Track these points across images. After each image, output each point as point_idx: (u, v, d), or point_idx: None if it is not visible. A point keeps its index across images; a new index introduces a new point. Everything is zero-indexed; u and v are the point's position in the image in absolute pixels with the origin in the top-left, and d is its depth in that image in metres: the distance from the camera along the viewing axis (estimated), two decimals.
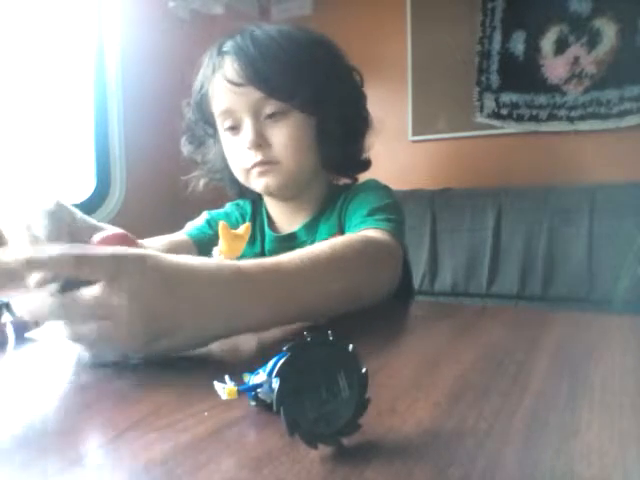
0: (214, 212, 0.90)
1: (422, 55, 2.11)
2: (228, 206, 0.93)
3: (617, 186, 1.68)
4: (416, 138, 2.13)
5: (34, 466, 0.24)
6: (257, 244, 0.86)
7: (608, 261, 1.62)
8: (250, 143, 0.74)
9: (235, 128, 0.76)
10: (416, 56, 2.12)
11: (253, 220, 0.88)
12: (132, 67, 1.62)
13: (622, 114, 1.81)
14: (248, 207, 0.91)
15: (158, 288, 0.37)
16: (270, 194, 0.82)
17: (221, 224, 0.54)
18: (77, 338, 0.36)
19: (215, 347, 0.47)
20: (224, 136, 0.79)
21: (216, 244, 0.80)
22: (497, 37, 1.98)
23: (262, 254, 0.85)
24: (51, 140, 1.49)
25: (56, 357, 0.40)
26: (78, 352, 0.39)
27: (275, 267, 0.46)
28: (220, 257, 0.53)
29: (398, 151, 2.14)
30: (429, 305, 0.61)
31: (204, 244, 0.82)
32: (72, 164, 1.55)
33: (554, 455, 0.24)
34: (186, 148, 0.86)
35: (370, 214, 0.73)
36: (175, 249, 0.77)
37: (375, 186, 0.85)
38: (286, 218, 0.86)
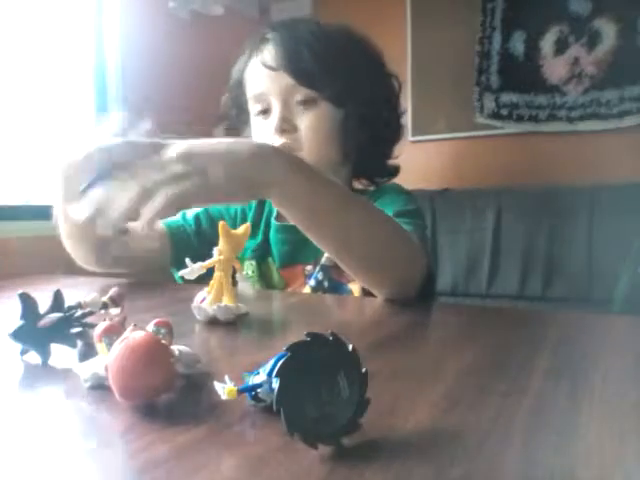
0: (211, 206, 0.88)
1: (422, 55, 2.11)
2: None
3: (617, 186, 1.68)
4: (416, 138, 2.13)
5: (34, 466, 0.24)
6: (260, 233, 0.86)
7: (608, 261, 1.62)
8: (276, 127, 0.76)
9: (265, 112, 0.79)
10: (416, 56, 2.12)
11: (259, 210, 0.88)
12: (132, 67, 1.62)
13: (622, 114, 1.82)
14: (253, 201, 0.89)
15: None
16: None
17: (221, 224, 0.54)
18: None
19: (215, 347, 0.47)
20: (254, 121, 0.81)
21: (193, 240, 0.80)
22: (497, 37, 1.98)
23: (265, 244, 0.84)
24: (51, 140, 1.49)
25: (58, 362, 0.40)
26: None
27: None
28: (220, 257, 0.53)
29: (398, 151, 2.14)
30: (429, 305, 0.61)
31: (179, 238, 0.82)
32: None
33: (554, 455, 0.24)
34: (222, 134, 0.87)
35: (396, 216, 0.73)
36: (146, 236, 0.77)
37: (400, 190, 0.86)
38: None
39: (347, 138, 0.80)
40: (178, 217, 0.85)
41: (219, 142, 0.49)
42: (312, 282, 0.79)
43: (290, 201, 0.53)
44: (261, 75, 0.78)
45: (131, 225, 0.49)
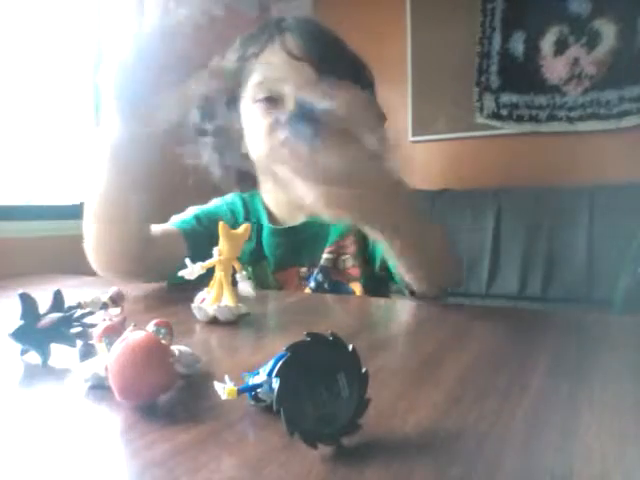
0: (203, 208, 0.87)
1: (422, 55, 2.11)
2: (213, 203, 0.89)
3: (617, 186, 1.68)
4: (416, 138, 2.13)
5: (34, 466, 0.24)
6: (253, 237, 0.84)
7: (608, 261, 1.62)
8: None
9: (273, 101, 0.76)
10: (416, 56, 2.12)
11: (246, 214, 0.86)
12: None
13: (621, 115, 1.82)
14: (238, 204, 0.88)
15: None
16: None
17: (221, 224, 0.53)
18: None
19: (215, 347, 0.47)
20: (252, 108, 0.79)
21: (206, 242, 0.79)
22: (497, 38, 1.98)
23: (258, 248, 0.83)
24: (51, 140, 1.49)
25: (58, 360, 0.40)
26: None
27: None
28: (220, 257, 0.53)
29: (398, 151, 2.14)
30: (429, 305, 0.61)
31: (194, 239, 0.79)
32: (72, 164, 1.55)
33: (554, 455, 0.24)
34: (194, 116, 0.84)
35: None
36: (165, 239, 0.75)
37: None
38: (287, 210, 0.84)
39: None
40: (183, 220, 0.82)
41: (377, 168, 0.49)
42: (312, 284, 0.79)
43: (399, 242, 0.56)
44: (279, 63, 0.76)
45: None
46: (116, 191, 0.63)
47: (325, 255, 0.80)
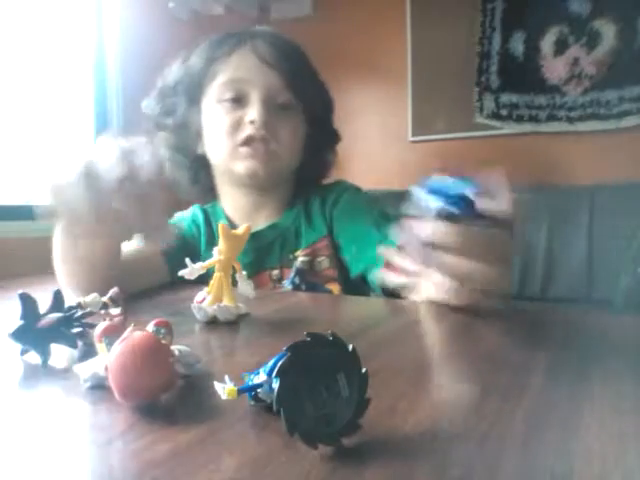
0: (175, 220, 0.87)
1: (422, 55, 2.11)
2: (176, 217, 0.89)
3: (617, 186, 1.68)
4: (416, 138, 2.13)
5: (34, 466, 0.24)
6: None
7: (608, 261, 1.62)
8: (259, 117, 0.75)
9: (237, 101, 0.77)
10: (416, 56, 2.12)
11: (209, 228, 0.86)
12: (132, 67, 1.62)
13: (621, 115, 1.82)
14: (200, 216, 0.88)
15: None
16: (251, 179, 0.80)
17: (220, 225, 0.54)
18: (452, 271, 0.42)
19: (215, 347, 0.47)
20: (216, 108, 0.79)
21: (182, 258, 0.77)
22: (497, 38, 1.98)
23: None
24: (51, 141, 1.49)
25: (59, 360, 0.40)
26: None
27: None
28: (220, 257, 0.53)
29: (398, 151, 2.14)
30: (429, 305, 0.61)
31: (173, 258, 0.76)
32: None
33: (554, 455, 0.24)
34: (154, 110, 0.84)
35: (384, 219, 0.75)
36: (144, 264, 0.74)
37: (356, 189, 0.88)
38: (246, 215, 0.84)
39: (308, 147, 0.83)
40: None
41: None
42: (289, 286, 0.80)
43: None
44: (249, 66, 0.77)
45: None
46: (71, 240, 0.61)
47: (301, 257, 0.81)
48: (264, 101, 0.76)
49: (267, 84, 0.77)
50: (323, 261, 0.81)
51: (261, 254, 0.81)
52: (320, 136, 0.85)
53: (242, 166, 0.78)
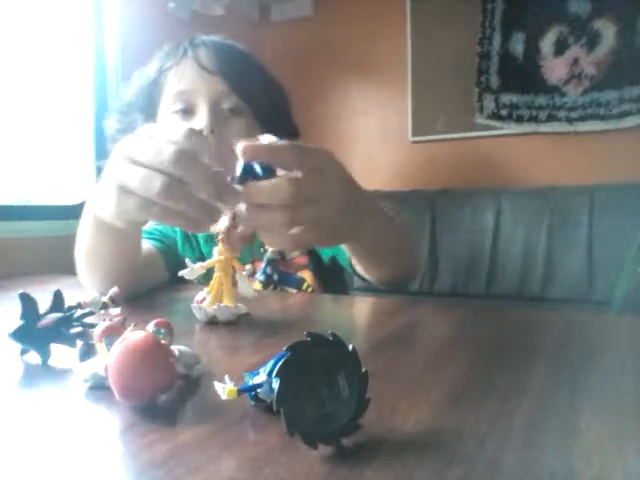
0: (149, 228, 0.86)
1: (422, 55, 2.11)
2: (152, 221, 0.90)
3: (617, 186, 1.68)
4: (416, 139, 2.13)
5: (34, 466, 0.24)
6: (195, 247, 0.86)
7: (608, 261, 1.62)
8: (205, 126, 0.75)
9: (187, 112, 0.77)
10: (416, 56, 2.12)
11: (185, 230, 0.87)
12: (132, 68, 1.62)
13: (621, 115, 1.82)
14: None
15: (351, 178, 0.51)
16: None
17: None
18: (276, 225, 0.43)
19: (215, 347, 0.47)
20: (170, 119, 0.79)
21: (172, 259, 0.79)
22: (497, 38, 1.98)
23: (202, 257, 0.83)
24: (51, 141, 1.49)
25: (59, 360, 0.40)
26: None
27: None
28: (220, 257, 0.53)
29: (398, 151, 2.14)
30: (429, 305, 0.61)
31: (168, 257, 0.80)
32: (72, 165, 1.55)
33: (554, 455, 0.24)
34: (113, 127, 0.84)
35: None
36: (147, 260, 0.74)
37: None
38: None
39: None
40: (155, 228, 0.83)
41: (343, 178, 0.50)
42: (261, 277, 0.81)
43: (359, 244, 0.60)
44: (193, 75, 0.77)
45: None
46: (104, 255, 0.63)
47: (271, 248, 0.82)
48: (211, 109, 0.76)
49: (211, 91, 0.76)
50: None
51: None
52: (277, 135, 0.85)
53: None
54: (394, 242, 0.67)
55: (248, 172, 0.44)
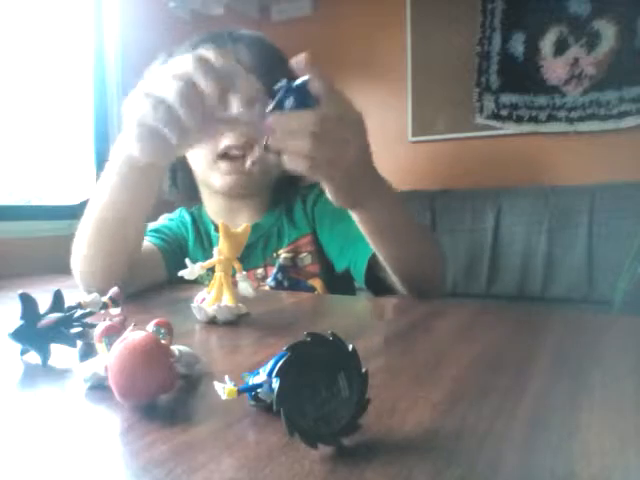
0: (157, 225, 0.88)
1: (422, 56, 2.11)
2: (163, 220, 0.90)
3: (617, 186, 1.68)
4: (416, 139, 2.13)
5: (34, 466, 0.24)
6: (207, 248, 0.86)
7: (608, 261, 1.62)
8: (238, 138, 0.74)
9: None
10: (416, 57, 2.12)
11: (196, 228, 0.87)
12: (132, 67, 1.62)
13: (621, 115, 1.82)
14: (187, 219, 0.89)
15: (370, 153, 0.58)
16: (228, 193, 0.81)
17: (221, 224, 0.54)
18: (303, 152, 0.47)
19: (215, 347, 0.47)
20: None
21: (174, 259, 0.79)
22: (497, 38, 1.98)
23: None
24: (51, 141, 1.49)
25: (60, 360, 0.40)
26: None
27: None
28: (220, 257, 0.53)
29: (398, 152, 2.14)
30: (428, 305, 0.61)
31: (169, 255, 0.80)
32: (72, 165, 1.55)
33: (554, 455, 0.24)
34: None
35: None
36: (146, 256, 0.75)
37: None
38: (227, 218, 0.84)
39: None
40: (156, 232, 0.83)
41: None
42: (272, 283, 0.81)
43: (370, 217, 0.60)
44: None
45: None
46: (119, 207, 0.62)
47: (283, 254, 0.82)
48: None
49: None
50: (305, 257, 0.82)
51: (244, 254, 0.82)
52: None
53: (219, 181, 0.78)
54: (411, 234, 0.65)
55: (279, 106, 0.49)
